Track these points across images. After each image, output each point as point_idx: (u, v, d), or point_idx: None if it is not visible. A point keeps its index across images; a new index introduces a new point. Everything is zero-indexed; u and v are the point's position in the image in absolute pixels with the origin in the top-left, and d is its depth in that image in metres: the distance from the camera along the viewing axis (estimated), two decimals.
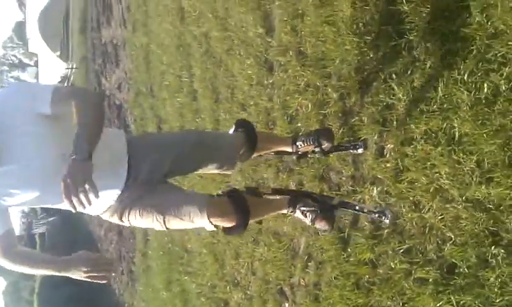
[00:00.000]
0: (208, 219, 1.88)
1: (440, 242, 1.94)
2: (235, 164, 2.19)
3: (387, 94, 2.20)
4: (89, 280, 1.75)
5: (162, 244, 5.43)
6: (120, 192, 1.87)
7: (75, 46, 16.44)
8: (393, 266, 2.15)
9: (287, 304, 3.05)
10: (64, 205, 1.57)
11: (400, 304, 2.08)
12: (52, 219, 21.59)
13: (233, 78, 3.75)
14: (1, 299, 43.73)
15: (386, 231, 2.23)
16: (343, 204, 2.31)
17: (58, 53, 20.83)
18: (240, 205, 1.94)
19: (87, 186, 1.44)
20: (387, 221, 2.18)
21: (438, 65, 1.94)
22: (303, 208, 2.20)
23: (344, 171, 2.55)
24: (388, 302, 2.16)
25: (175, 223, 1.91)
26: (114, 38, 8.76)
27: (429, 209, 1.98)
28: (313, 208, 2.20)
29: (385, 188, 2.24)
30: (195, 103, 4.50)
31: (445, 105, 1.88)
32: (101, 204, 1.87)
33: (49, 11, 22.15)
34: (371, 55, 2.32)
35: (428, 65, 1.97)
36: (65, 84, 17.75)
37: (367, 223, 2.38)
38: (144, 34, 6.43)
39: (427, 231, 1.99)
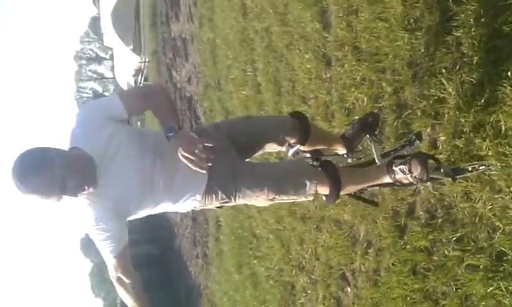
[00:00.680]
0: (316, 187, 2.01)
1: (490, 230, 2.02)
2: (285, 139, 2.21)
3: (438, 89, 2.27)
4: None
5: (233, 229, 5.75)
6: (207, 177, 1.92)
7: (146, 40, 17.23)
8: (446, 253, 2.25)
9: (348, 289, 3.21)
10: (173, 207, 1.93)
11: (454, 289, 2.19)
12: None
13: (294, 72, 3.91)
14: (87, 280, 47.12)
15: (440, 220, 2.32)
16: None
17: (131, 47, 21.86)
18: (332, 174, 2.03)
19: (200, 145, 1.61)
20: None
21: (484, 61, 1.99)
22: (400, 166, 2.10)
23: None
24: (443, 288, 2.27)
25: (288, 193, 2.00)
26: (183, 32, 9.17)
27: (479, 199, 2.06)
28: (406, 158, 2.12)
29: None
30: (259, 95, 4.72)
31: (491, 100, 1.95)
32: (194, 190, 1.96)
33: (121, 5, 23.25)
34: (422, 51, 2.39)
35: (475, 61, 2.03)
36: (139, 77, 18.72)
37: (422, 212, 2.48)
38: (210, 29, 6.72)
39: (477, 220, 2.08)
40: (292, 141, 2.22)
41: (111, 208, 1.84)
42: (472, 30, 2.07)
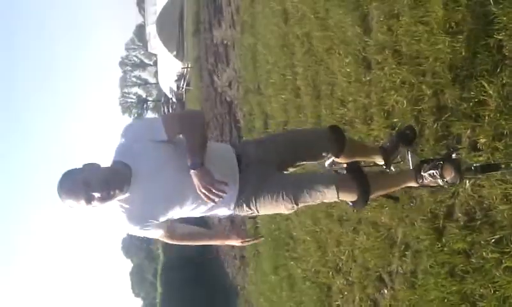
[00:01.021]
0: (338, 194, 2.07)
1: None
2: (322, 153, 2.31)
3: (478, 91, 2.28)
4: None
5: (270, 231, 5.83)
6: (238, 187, 2.12)
7: (189, 46, 17.64)
8: (485, 255, 2.24)
9: (385, 291, 3.22)
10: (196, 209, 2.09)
11: (492, 291, 2.18)
12: None
13: (333, 76, 3.96)
14: (128, 280, 48.24)
15: (478, 222, 2.32)
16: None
17: (174, 53, 22.39)
18: (361, 181, 2.08)
19: (216, 184, 1.88)
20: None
21: None
22: (429, 171, 2.12)
23: None
24: (481, 290, 2.26)
25: (305, 199, 2.09)
26: (225, 38, 9.38)
27: None
28: (437, 163, 2.13)
29: (478, 181, 2.32)
30: (298, 99, 4.79)
31: None
32: (228, 202, 2.12)
33: (166, 13, 23.88)
34: (463, 54, 2.40)
35: None
36: (181, 82, 19.13)
37: (460, 214, 2.48)
38: (251, 35, 6.86)
39: None
40: (329, 153, 2.33)
41: (141, 214, 2.06)
42: None
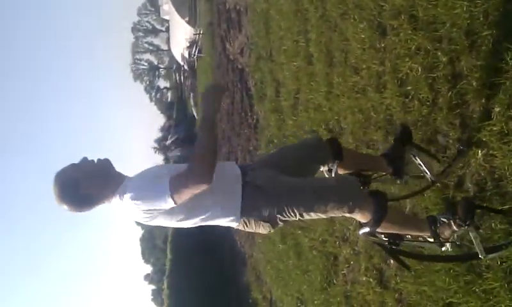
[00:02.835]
0: (350, 213, 2.06)
1: None
2: (325, 158, 2.33)
3: (495, 59, 2.20)
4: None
5: None
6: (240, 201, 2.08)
7: (202, 12, 17.39)
8: (493, 227, 2.23)
9: (391, 260, 3.21)
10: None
11: (498, 262, 2.17)
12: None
13: (347, 42, 3.87)
14: (138, 246, 49.14)
15: (489, 193, 2.28)
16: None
17: (187, 19, 22.14)
18: (379, 208, 2.03)
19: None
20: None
21: None
22: (443, 215, 2.12)
23: (451, 133, 2.61)
24: (487, 262, 2.24)
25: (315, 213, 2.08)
26: (238, 3, 9.19)
27: None
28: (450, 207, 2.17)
29: (490, 151, 2.27)
30: (311, 67, 4.70)
31: None
32: (229, 212, 2.10)
33: None
34: (481, 19, 2.32)
35: None
36: (193, 49, 18.96)
37: (470, 185, 2.44)
38: (264, 0, 6.71)
39: None
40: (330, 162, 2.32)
41: (138, 179, 2.05)
42: None
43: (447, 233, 2.09)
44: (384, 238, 2.19)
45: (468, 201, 2.09)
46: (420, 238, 2.20)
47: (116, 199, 2.04)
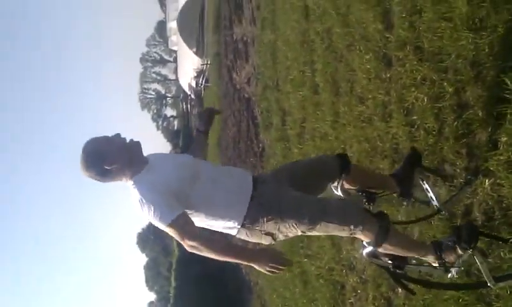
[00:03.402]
0: (351, 234, 2.07)
1: None
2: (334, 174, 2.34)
3: (501, 89, 2.24)
4: (269, 273, 2.03)
5: None
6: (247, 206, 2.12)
7: (209, 43, 17.69)
8: (502, 255, 2.21)
9: (399, 289, 3.18)
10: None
11: (508, 292, 2.14)
12: None
13: (353, 73, 3.94)
14: (142, 273, 48.67)
15: (497, 222, 2.28)
16: None
17: (194, 49, 22.48)
18: (382, 228, 2.04)
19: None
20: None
21: None
22: (447, 243, 2.10)
23: (458, 163, 2.62)
24: (497, 290, 2.22)
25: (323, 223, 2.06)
26: (245, 35, 9.39)
27: None
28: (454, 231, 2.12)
29: (497, 181, 2.29)
30: (317, 96, 4.77)
31: None
32: (234, 215, 2.13)
33: (187, 10, 24.01)
34: (486, 50, 2.36)
35: None
36: (200, 79, 19.21)
37: (479, 214, 2.44)
38: (271, 32, 6.86)
39: None
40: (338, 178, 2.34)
41: (155, 185, 2.06)
42: None
43: (452, 257, 2.08)
44: (388, 262, 2.18)
45: (471, 225, 2.10)
46: (426, 264, 2.19)
47: (130, 183, 2.09)
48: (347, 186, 2.38)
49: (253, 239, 2.17)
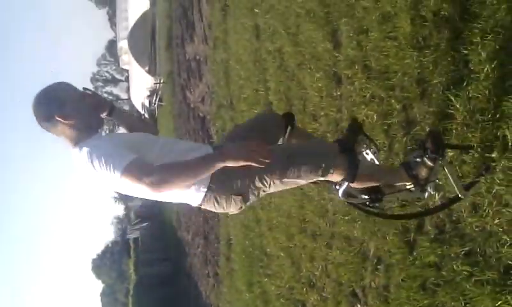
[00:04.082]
0: (324, 175, 1.99)
1: (497, 244, 2.02)
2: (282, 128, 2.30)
3: (446, 105, 2.31)
4: (251, 162, 1.75)
5: (244, 247, 5.77)
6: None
7: (162, 61, 17.55)
8: (455, 268, 2.25)
9: (359, 305, 3.21)
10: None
11: (463, 304, 2.19)
12: (145, 224, 23.06)
13: (305, 91, 3.98)
14: (98, 301, 47.05)
15: (448, 235, 2.34)
16: None
17: (147, 68, 22.23)
18: (352, 163, 2.01)
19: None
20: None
21: (490, 78, 2.03)
22: (415, 159, 2.05)
23: None
24: (452, 303, 2.27)
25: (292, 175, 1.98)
26: (197, 54, 9.35)
27: (487, 213, 2.08)
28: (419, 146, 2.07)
29: (446, 194, 2.34)
30: None
31: (498, 115, 1.98)
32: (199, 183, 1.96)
33: (138, 29, 23.75)
34: (430, 68, 2.44)
35: (482, 77, 2.07)
36: (154, 98, 18.97)
37: (431, 227, 2.50)
38: (224, 51, 6.86)
39: (485, 235, 2.09)
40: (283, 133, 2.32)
41: (107, 141, 2.00)
42: (479, 48, 2.12)
43: (423, 172, 2.03)
44: (365, 197, 2.15)
45: (435, 133, 2.04)
46: (402, 189, 2.14)
47: (76, 148, 1.95)
48: (293, 140, 2.33)
49: (220, 208, 2.03)
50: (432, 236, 2.47)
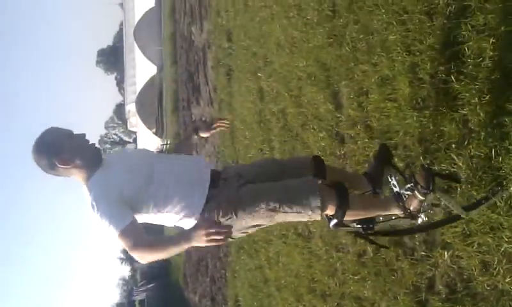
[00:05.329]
0: (311, 215, 2.01)
1: (510, 303, 1.99)
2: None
3: (449, 163, 2.34)
4: (210, 244, 1.88)
5: None
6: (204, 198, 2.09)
7: (168, 123, 17.88)
8: None
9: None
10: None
11: None
12: (151, 285, 22.65)
13: (309, 150, 4.03)
14: None
15: (460, 294, 2.31)
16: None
17: (154, 130, 22.63)
18: (340, 192, 2.02)
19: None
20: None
21: (490, 136, 2.08)
22: (406, 186, 2.07)
23: (416, 236, 2.67)
24: None
25: (284, 214, 2.02)
26: (203, 115, 9.56)
27: (497, 272, 2.06)
28: (408, 176, 2.10)
29: (456, 253, 2.33)
30: None
31: (500, 172, 2.01)
32: (192, 212, 2.09)
33: (145, 93, 24.41)
34: (431, 128, 2.49)
35: (482, 136, 2.12)
36: None
37: (442, 287, 2.46)
38: (229, 112, 7.02)
39: (497, 294, 2.06)
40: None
41: (107, 190, 2.01)
42: (477, 108, 2.18)
43: (414, 204, 2.04)
44: (357, 226, 2.15)
45: (425, 169, 2.06)
46: (393, 217, 2.15)
47: (84, 186, 2.07)
48: None
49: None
50: (444, 295, 2.43)
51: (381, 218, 2.19)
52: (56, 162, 2.03)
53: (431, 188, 1.99)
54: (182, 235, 1.98)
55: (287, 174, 2.21)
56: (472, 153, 2.20)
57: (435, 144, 2.48)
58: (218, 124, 2.56)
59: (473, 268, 2.22)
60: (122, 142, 55.66)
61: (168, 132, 18.29)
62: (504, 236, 2.01)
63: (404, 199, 2.07)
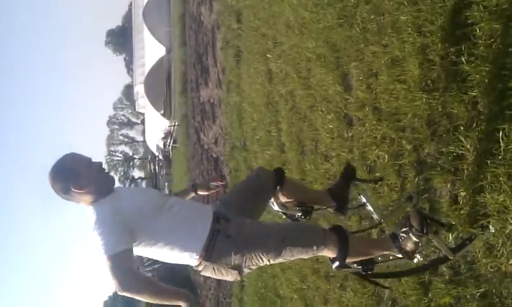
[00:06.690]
0: (316, 253, 2.16)
1: None
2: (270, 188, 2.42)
3: (456, 146, 2.34)
4: None
5: (256, 289, 5.70)
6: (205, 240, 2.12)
7: (176, 105, 17.89)
8: None
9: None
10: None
11: None
12: (157, 265, 22.87)
13: (317, 132, 4.04)
14: None
15: (463, 276, 2.32)
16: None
17: (162, 112, 22.65)
18: (342, 240, 2.14)
19: None
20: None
21: (499, 118, 2.07)
22: (402, 229, 2.17)
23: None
24: None
25: (290, 253, 2.13)
26: (211, 97, 9.56)
27: (501, 254, 2.06)
28: (405, 221, 2.19)
29: (460, 234, 2.34)
30: (283, 155, 4.84)
31: (507, 155, 2.00)
32: (191, 248, 2.13)
33: (153, 74, 24.38)
34: (440, 110, 2.48)
35: (491, 118, 2.11)
36: (168, 140, 19.23)
37: (445, 268, 2.47)
38: (237, 94, 7.01)
39: (500, 275, 2.07)
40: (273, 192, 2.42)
41: (113, 213, 2.05)
42: (487, 89, 2.16)
43: (410, 245, 2.15)
44: (357, 267, 2.25)
45: (419, 213, 2.15)
46: (391, 257, 2.26)
47: (90, 207, 2.10)
48: (283, 200, 2.47)
49: (218, 275, 2.17)
50: (448, 277, 2.45)
51: (380, 258, 2.29)
52: (71, 187, 2.09)
53: (424, 231, 2.11)
54: (178, 290, 2.06)
55: (253, 196, 2.40)
56: (480, 136, 2.20)
57: (443, 126, 2.47)
58: (216, 185, 2.81)
59: (478, 251, 2.23)
60: (130, 124, 55.83)
61: (175, 113, 18.31)
62: (509, 219, 2.01)
63: (400, 240, 2.18)
